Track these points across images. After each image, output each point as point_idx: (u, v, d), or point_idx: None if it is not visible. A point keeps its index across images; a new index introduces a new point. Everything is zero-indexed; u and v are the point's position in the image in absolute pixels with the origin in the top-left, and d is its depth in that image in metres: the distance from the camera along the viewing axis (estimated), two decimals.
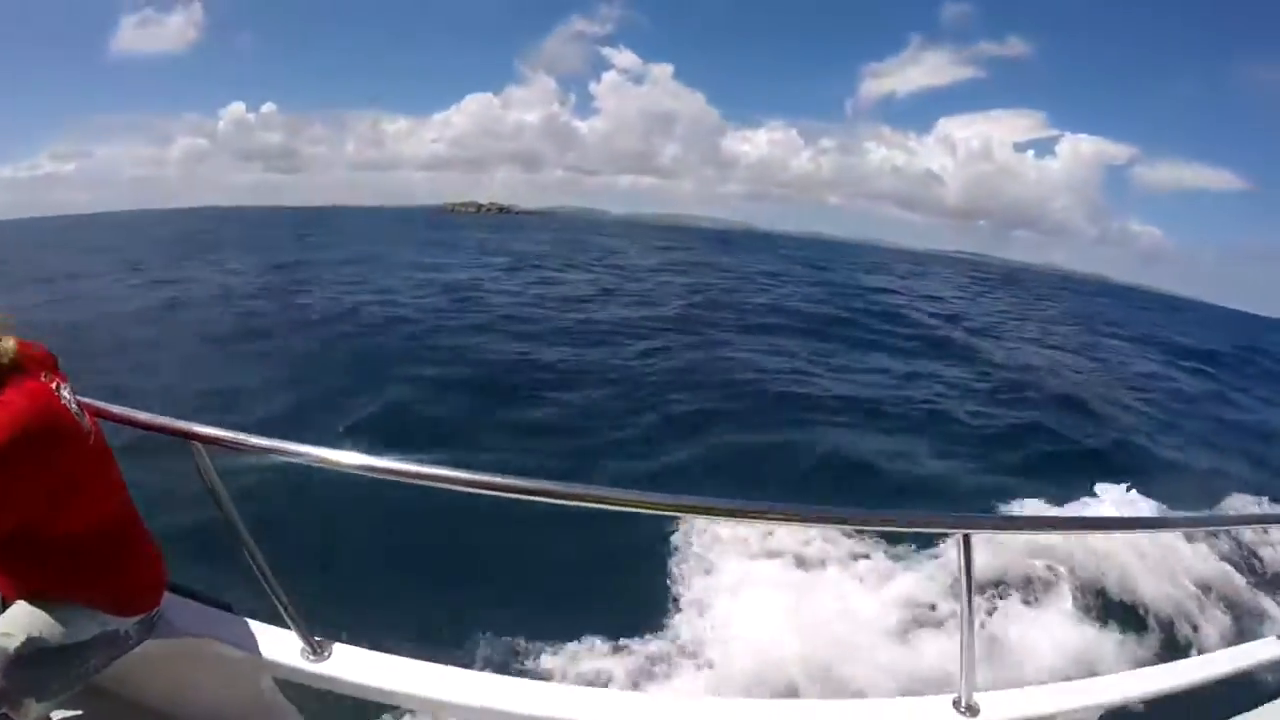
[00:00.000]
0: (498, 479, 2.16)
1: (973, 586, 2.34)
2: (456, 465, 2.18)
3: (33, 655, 1.91)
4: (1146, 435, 16.11)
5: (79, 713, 2.64)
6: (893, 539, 7.43)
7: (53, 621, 1.95)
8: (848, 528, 2.12)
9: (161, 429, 2.29)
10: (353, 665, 2.32)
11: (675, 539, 7.88)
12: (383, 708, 2.35)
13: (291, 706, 2.59)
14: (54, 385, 1.91)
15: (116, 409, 2.37)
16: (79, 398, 2.14)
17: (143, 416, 2.36)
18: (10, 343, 1.84)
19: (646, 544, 7.77)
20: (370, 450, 2.32)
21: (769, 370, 18.14)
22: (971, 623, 2.42)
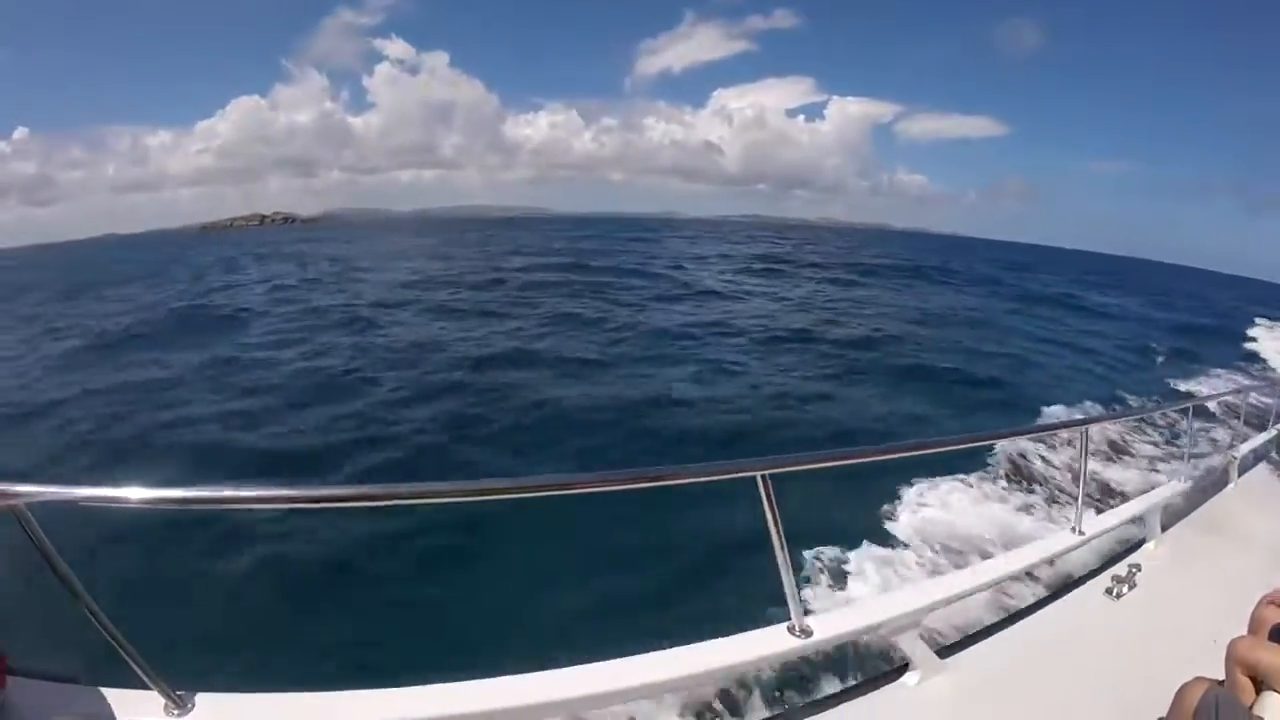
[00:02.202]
0: (319, 491, 2.15)
1: (779, 522, 2.55)
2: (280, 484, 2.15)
3: None
4: None
5: None
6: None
7: None
8: (651, 486, 2.21)
9: None
10: (221, 712, 2.23)
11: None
12: None
13: None
14: None
15: None
16: None
17: None
18: None
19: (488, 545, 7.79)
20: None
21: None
22: (786, 556, 2.63)
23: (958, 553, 7.97)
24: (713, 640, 2.71)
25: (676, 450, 12.12)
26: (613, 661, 2.48)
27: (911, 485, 9.86)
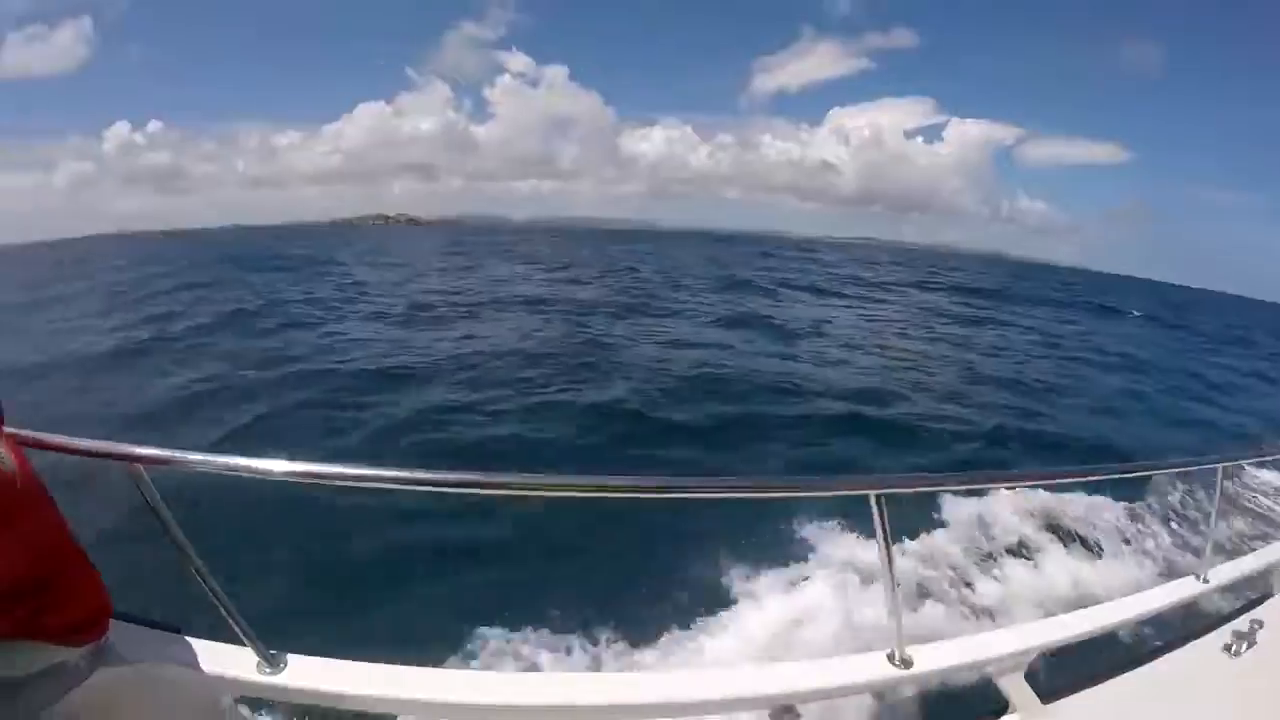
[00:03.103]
0: (426, 474, 2.11)
1: (891, 545, 2.40)
2: (391, 465, 2.16)
3: None
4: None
5: None
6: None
7: None
8: (763, 496, 2.13)
9: (101, 454, 2.18)
10: (310, 674, 2.27)
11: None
12: (344, 714, 2.29)
13: None
14: None
15: (54, 438, 2.25)
16: (15, 430, 2.05)
17: (82, 443, 2.24)
18: None
19: (636, 533, 7.75)
20: (318, 459, 2.26)
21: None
22: (894, 580, 2.48)
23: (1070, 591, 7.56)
24: (809, 660, 2.60)
25: None
26: (704, 670, 2.41)
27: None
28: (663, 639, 6.11)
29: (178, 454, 2.16)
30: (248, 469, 2.15)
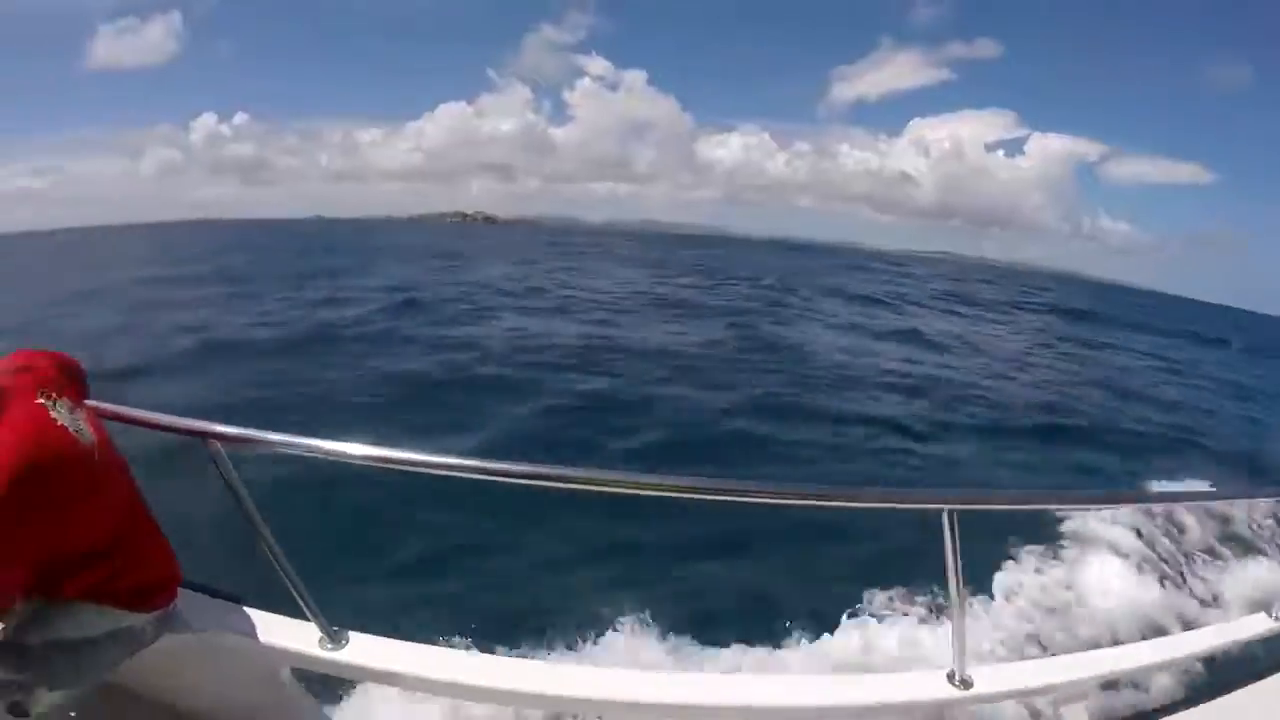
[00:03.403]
0: (499, 465, 2.12)
1: (959, 562, 2.32)
2: (464, 454, 2.16)
3: (45, 647, 1.90)
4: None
5: (99, 706, 2.59)
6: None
7: (66, 617, 1.93)
8: (830, 505, 2.06)
9: (179, 429, 2.24)
10: (371, 652, 2.29)
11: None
12: (401, 693, 2.32)
13: (310, 696, 2.56)
14: (50, 404, 1.83)
15: (133, 412, 2.33)
16: (96, 403, 2.13)
17: (160, 418, 2.32)
18: None
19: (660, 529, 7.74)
20: (389, 443, 2.28)
21: None
22: (961, 598, 2.40)
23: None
24: (866, 674, 2.55)
25: None
26: (758, 677, 2.36)
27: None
28: (720, 639, 6.06)
29: (255, 433, 2.21)
30: (324, 450, 2.17)
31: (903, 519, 7.09)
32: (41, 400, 1.81)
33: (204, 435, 2.17)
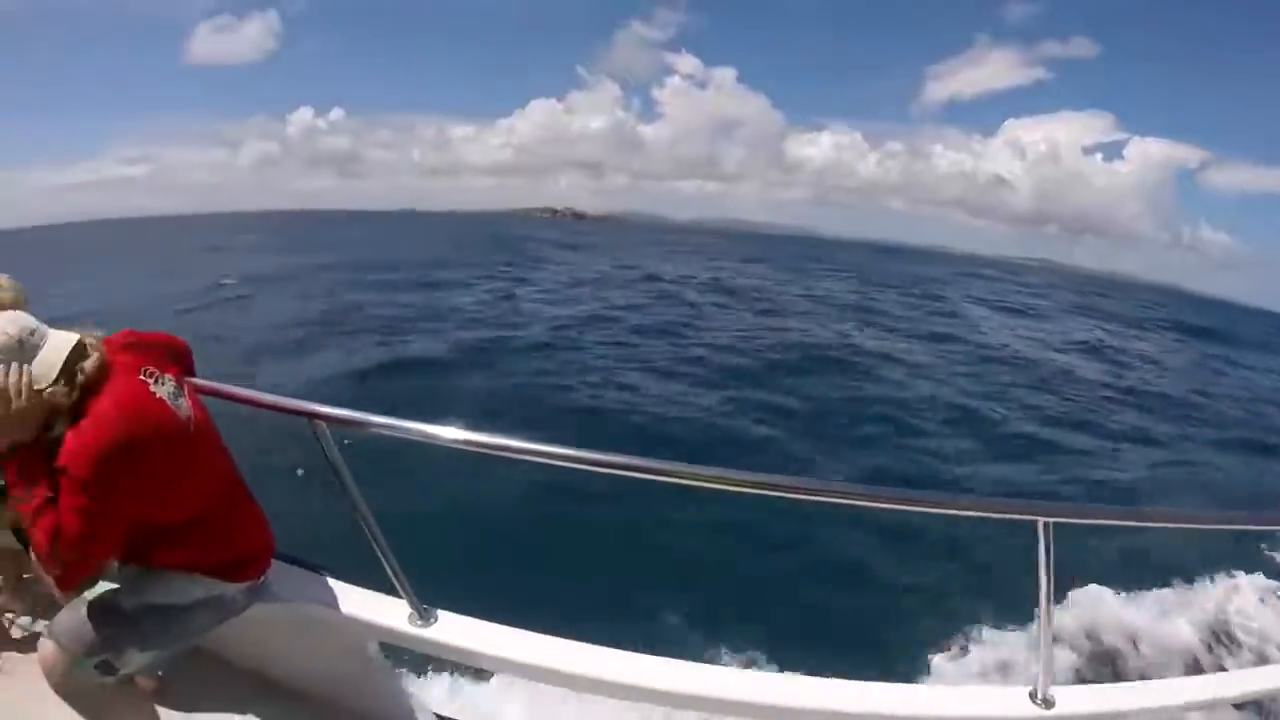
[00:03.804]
0: (594, 455, 2.09)
1: (1052, 576, 2.23)
2: (558, 442, 2.16)
3: (138, 610, 1.99)
4: None
5: (187, 668, 2.72)
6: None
7: (160, 583, 2.02)
8: (918, 510, 2.00)
9: (285, 409, 2.33)
10: (459, 631, 2.31)
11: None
12: (485, 674, 2.35)
13: (396, 671, 2.61)
14: (152, 380, 1.93)
15: (239, 391, 2.43)
16: (199, 380, 2.24)
17: (267, 398, 2.42)
18: (92, 358, 1.83)
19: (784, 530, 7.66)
20: (489, 430, 2.31)
21: None
22: (1050, 616, 2.32)
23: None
24: (946, 687, 2.49)
25: None
26: (841, 682, 2.31)
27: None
28: (801, 641, 6.02)
29: (357, 414, 2.27)
30: (420, 433, 2.20)
31: (995, 527, 6.84)
32: (143, 376, 1.92)
33: (310, 415, 2.24)
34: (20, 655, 2.94)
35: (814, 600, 6.77)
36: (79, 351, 1.83)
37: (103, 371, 1.85)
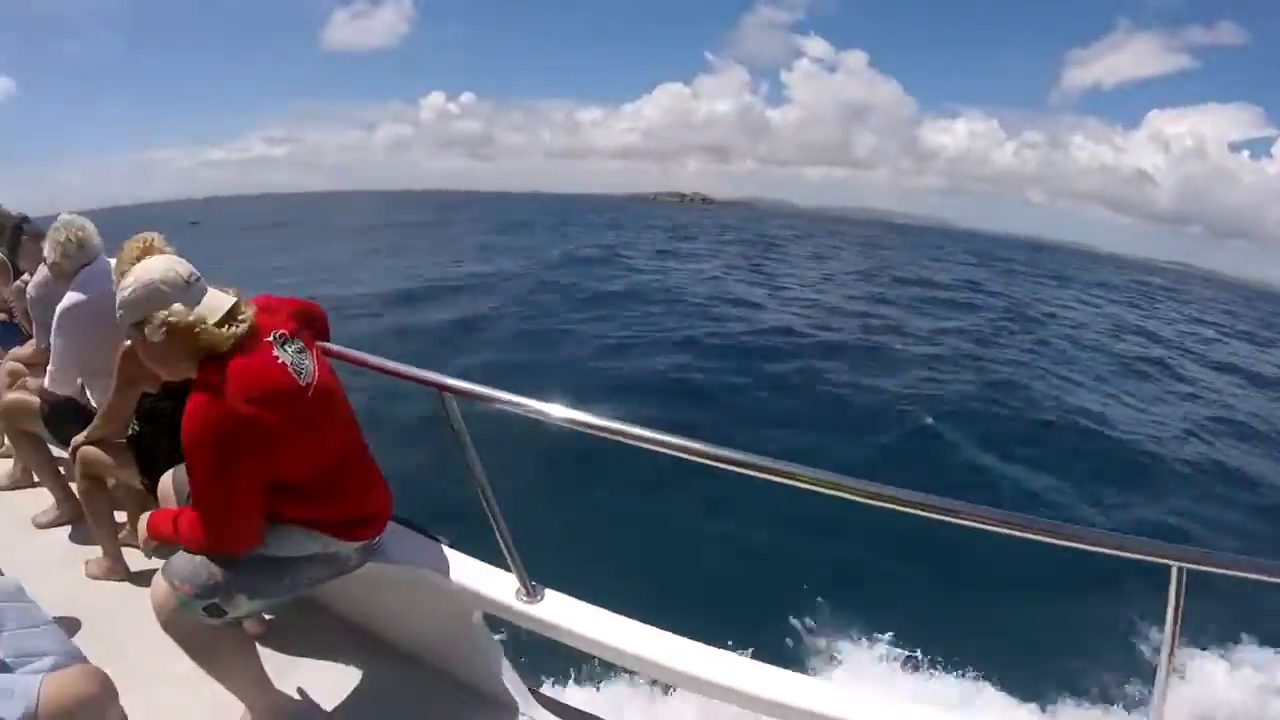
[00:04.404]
0: (729, 453, 1.98)
1: (1179, 624, 2.03)
2: (693, 436, 2.03)
3: (252, 560, 2.05)
4: None
5: (294, 616, 2.90)
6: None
7: (278, 536, 2.08)
8: (1051, 541, 1.83)
9: (417, 379, 2.37)
10: (564, 611, 2.31)
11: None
12: (586, 657, 2.33)
13: (497, 642, 2.61)
14: (279, 344, 2.02)
15: (371, 359, 2.50)
16: (329, 346, 2.36)
17: (400, 367, 2.46)
18: (246, 316, 1.96)
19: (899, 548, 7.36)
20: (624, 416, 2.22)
21: None
22: (1170, 668, 2.11)
23: None
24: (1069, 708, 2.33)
25: None
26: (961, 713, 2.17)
27: None
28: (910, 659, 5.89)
29: (485, 389, 2.28)
30: (536, 411, 2.20)
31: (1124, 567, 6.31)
32: (271, 340, 2.00)
33: (439, 387, 2.29)
34: (135, 588, 3.20)
35: (928, 623, 6.48)
36: (237, 308, 1.97)
37: (249, 332, 1.95)
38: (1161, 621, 1.98)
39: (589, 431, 2.13)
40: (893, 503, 1.87)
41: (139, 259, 2.02)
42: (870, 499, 1.86)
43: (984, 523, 1.87)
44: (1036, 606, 6.88)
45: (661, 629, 2.24)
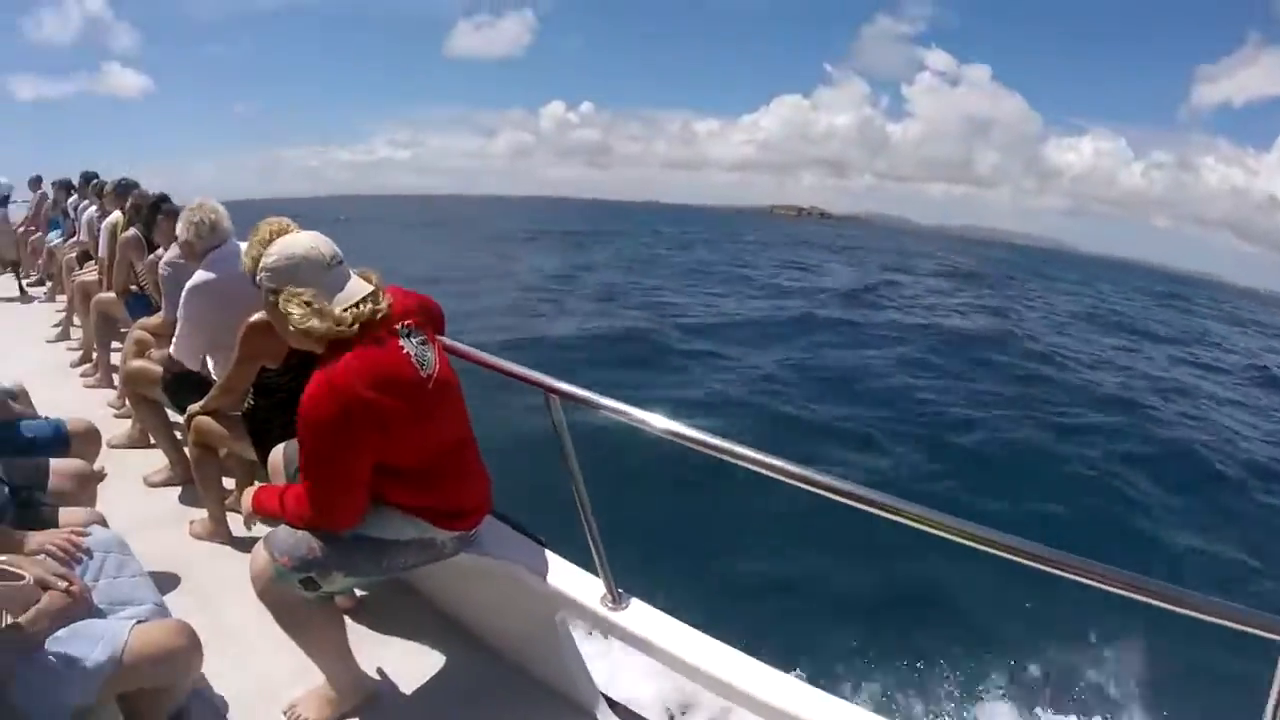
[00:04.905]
0: (845, 484, 1.83)
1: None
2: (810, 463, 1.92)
3: (351, 539, 2.11)
4: None
5: (384, 595, 2.98)
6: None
7: (378, 518, 2.12)
8: (1150, 601, 1.63)
9: (525, 379, 2.39)
10: (647, 621, 2.26)
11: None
12: (664, 671, 2.25)
13: (578, 645, 2.59)
14: (402, 334, 2.06)
15: (485, 356, 2.54)
16: (450, 341, 2.39)
17: (509, 366, 2.48)
18: (381, 304, 2.02)
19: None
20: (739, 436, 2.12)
21: None
22: None
23: None
24: None
25: None
26: None
27: None
28: None
29: (588, 393, 2.26)
30: (639, 420, 2.17)
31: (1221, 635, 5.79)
32: (398, 330, 2.06)
33: (546, 389, 2.29)
34: (234, 552, 3.33)
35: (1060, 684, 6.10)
36: (374, 296, 2.03)
37: (381, 319, 2.02)
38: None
39: (693, 447, 2.06)
40: (1030, 559, 1.70)
41: (270, 241, 2.08)
42: (1009, 553, 1.70)
43: (1087, 577, 1.69)
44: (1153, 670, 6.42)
45: (745, 654, 2.15)
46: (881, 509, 1.77)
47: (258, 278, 2.05)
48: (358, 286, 2.02)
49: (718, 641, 2.19)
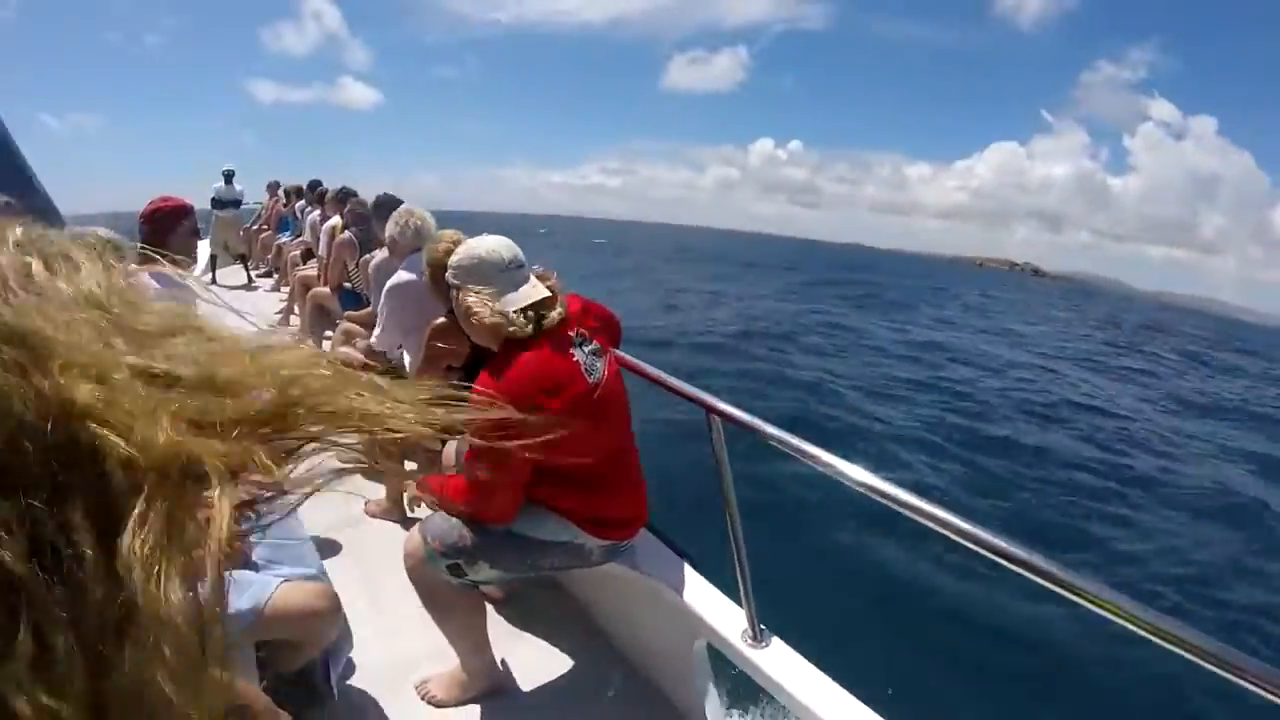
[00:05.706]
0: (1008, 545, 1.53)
1: None
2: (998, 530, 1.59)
3: (503, 533, 2.22)
4: None
5: (528, 589, 3.06)
6: None
7: (532, 517, 2.22)
8: (1207, 666, 1.30)
9: (691, 398, 2.41)
10: (786, 663, 2.19)
11: None
12: (794, 717, 2.16)
13: (713, 674, 2.55)
14: (575, 341, 2.17)
15: (653, 371, 2.61)
16: (622, 354, 2.49)
17: (675, 383, 2.53)
18: (556, 310, 2.15)
19: None
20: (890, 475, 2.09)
21: None
22: None
23: None
24: None
25: None
26: None
27: None
28: None
29: (749, 418, 2.24)
30: (799, 450, 2.03)
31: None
32: (573, 335, 2.18)
33: (710, 409, 2.30)
34: (401, 532, 3.47)
35: None
36: (549, 302, 2.17)
37: (558, 324, 2.15)
38: None
39: (862, 492, 1.89)
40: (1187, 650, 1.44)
41: (447, 251, 2.32)
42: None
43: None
44: None
45: (884, 716, 2.03)
46: (1088, 599, 1.46)
47: (447, 274, 2.25)
48: (534, 291, 2.14)
49: (859, 701, 2.08)
